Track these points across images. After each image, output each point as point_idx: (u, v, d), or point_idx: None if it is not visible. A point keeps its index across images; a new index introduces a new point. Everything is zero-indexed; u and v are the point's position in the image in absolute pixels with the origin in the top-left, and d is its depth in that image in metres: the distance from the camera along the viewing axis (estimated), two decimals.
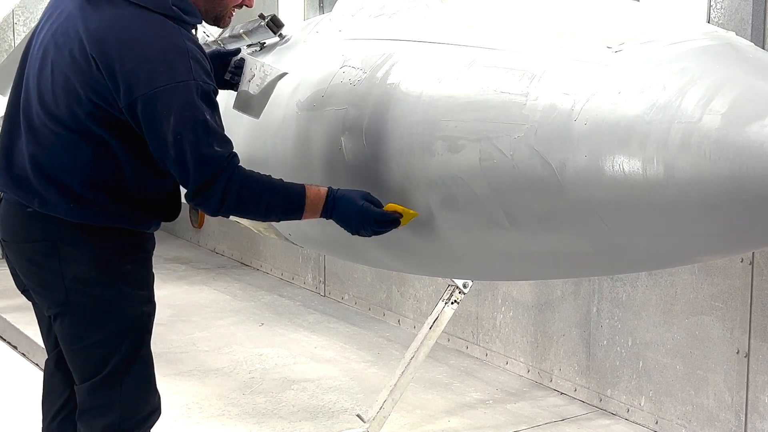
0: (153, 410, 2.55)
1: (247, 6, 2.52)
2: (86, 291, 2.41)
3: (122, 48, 2.23)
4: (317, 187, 2.35)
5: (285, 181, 2.35)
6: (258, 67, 2.70)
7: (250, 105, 2.73)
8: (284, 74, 2.68)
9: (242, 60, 2.75)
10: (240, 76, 2.74)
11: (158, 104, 2.20)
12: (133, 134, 2.30)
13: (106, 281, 2.42)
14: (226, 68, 2.76)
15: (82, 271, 2.40)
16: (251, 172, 2.31)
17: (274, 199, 2.31)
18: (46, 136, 2.36)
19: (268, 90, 2.69)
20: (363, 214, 2.25)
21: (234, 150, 2.30)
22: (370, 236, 2.29)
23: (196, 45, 2.32)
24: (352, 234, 2.32)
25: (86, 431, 2.52)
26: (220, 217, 2.34)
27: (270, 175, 2.34)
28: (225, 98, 2.62)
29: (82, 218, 2.37)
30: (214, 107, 2.29)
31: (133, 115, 2.24)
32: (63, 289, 2.42)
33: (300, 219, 2.35)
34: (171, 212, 2.52)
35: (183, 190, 2.39)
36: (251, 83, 2.71)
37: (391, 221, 2.22)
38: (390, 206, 2.22)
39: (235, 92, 2.75)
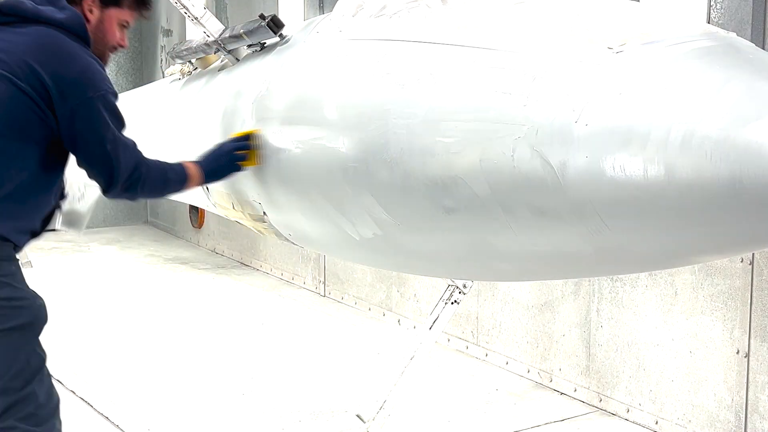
0: (59, 398, 2.65)
1: (121, 47, 2.81)
2: None
3: (62, 58, 2.53)
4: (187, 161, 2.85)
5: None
6: (81, 185, 2.79)
7: (78, 220, 2.85)
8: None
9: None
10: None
11: (97, 106, 2.54)
12: (45, 146, 2.54)
13: (2, 282, 2.52)
14: None
15: None
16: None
17: (170, 174, 2.75)
18: None
19: (93, 203, 2.83)
20: (230, 158, 2.80)
21: None
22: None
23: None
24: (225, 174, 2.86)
25: None
26: (156, 203, 2.62)
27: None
28: None
29: None
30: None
31: (70, 118, 2.52)
32: None
33: (186, 189, 2.83)
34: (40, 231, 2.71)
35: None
36: (81, 201, 2.85)
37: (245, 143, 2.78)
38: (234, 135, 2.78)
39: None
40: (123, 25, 2.76)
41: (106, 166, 2.60)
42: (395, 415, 3.90)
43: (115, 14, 2.72)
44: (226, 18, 7.89)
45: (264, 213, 2.99)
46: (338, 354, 5.23)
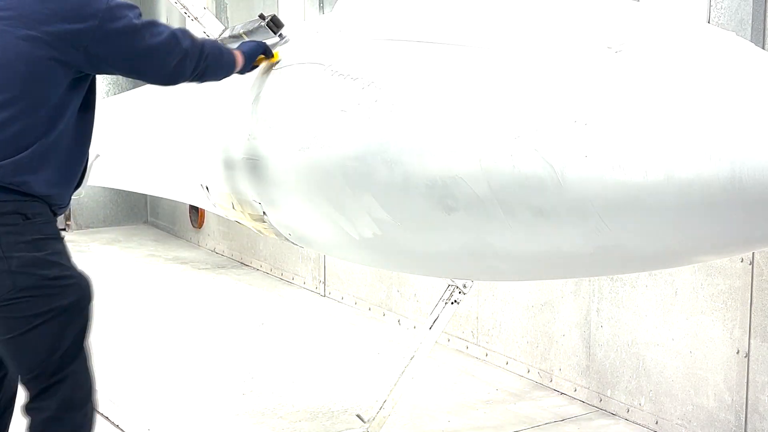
0: (94, 383, 2.67)
1: None
2: (34, 273, 2.49)
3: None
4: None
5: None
6: None
7: None
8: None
9: None
10: None
11: (117, 11, 2.54)
12: (75, 89, 2.55)
13: (50, 260, 2.52)
14: None
15: (26, 255, 2.48)
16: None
17: (224, 48, 2.80)
18: None
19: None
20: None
21: None
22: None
23: None
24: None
25: (36, 416, 2.56)
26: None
27: None
28: None
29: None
30: None
31: (98, 37, 2.50)
32: (9, 276, 2.47)
33: (234, 70, 2.85)
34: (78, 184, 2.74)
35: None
36: None
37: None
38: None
39: None
40: None
41: (158, 59, 2.61)
42: (395, 415, 3.90)
43: None
44: (226, 18, 7.89)
45: (264, 213, 2.99)
46: (338, 354, 5.23)
